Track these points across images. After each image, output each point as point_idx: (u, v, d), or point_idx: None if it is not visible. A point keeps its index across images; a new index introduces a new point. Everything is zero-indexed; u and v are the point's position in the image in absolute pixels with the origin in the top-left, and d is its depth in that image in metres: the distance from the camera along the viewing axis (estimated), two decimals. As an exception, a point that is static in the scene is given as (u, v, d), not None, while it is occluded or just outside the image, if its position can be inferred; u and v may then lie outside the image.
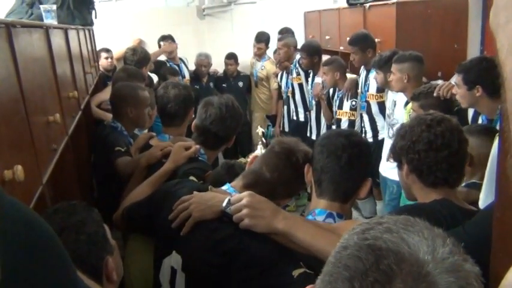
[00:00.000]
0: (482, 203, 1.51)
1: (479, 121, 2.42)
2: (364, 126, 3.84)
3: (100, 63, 4.24)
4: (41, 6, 2.43)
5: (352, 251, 0.53)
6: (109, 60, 4.37)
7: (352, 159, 1.32)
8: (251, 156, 1.48)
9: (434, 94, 2.52)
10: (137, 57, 3.77)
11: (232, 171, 1.64)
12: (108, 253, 1.07)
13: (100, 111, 3.03)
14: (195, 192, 1.34)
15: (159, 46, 4.91)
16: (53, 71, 1.65)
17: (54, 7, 2.29)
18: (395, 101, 3.26)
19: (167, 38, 4.89)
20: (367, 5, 4.05)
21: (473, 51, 3.67)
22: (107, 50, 4.40)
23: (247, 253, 1.18)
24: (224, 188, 1.41)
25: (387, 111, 3.41)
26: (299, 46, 4.74)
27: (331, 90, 4.19)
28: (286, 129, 4.97)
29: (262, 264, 1.16)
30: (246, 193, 1.23)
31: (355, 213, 4.21)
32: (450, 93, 2.47)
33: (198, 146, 1.83)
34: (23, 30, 1.27)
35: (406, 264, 0.49)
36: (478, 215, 1.23)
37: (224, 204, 1.24)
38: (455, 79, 2.41)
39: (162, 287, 1.35)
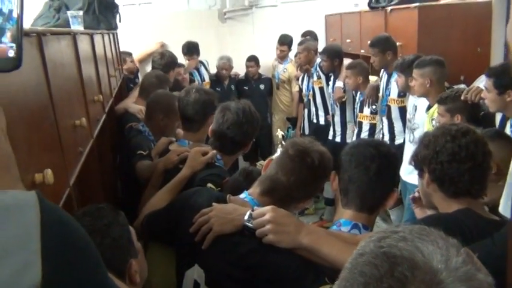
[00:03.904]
0: (502, 209, 1.50)
1: (508, 126, 2.39)
2: (382, 129, 3.84)
3: (125, 67, 4.31)
4: (68, 12, 2.50)
5: (367, 258, 0.54)
6: (130, 63, 4.44)
7: (381, 170, 1.30)
8: (267, 160, 1.46)
9: (462, 98, 2.47)
10: (165, 61, 3.85)
11: (250, 177, 1.64)
12: (132, 256, 1.10)
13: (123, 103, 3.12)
14: (214, 204, 1.33)
15: (184, 53, 4.87)
16: (79, 75, 1.70)
17: (81, 13, 2.35)
18: (416, 106, 3.24)
19: (188, 53, 4.80)
20: (389, 8, 4.03)
21: (497, 55, 3.61)
22: (130, 54, 4.47)
23: (270, 268, 1.18)
24: (242, 196, 1.40)
25: (408, 116, 3.39)
26: (320, 49, 4.75)
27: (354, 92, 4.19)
28: (307, 132, 4.97)
29: (286, 280, 1.16)
30: (269, 207, 1.22)
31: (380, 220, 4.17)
32: (479, 98, 2.43)
33: (214, 152, 1.83)
34: (52, 38, 1.32)
35: (419, 272, 0.51)
36: (507, 226, 1.21)
37: (246, 218, 1.23)
38: (484, 83, 2.38)
39: None
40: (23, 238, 0.45)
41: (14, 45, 0.55)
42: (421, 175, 1.52)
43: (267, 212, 1.21)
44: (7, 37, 0.55)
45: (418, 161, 1.52)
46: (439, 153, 1.43)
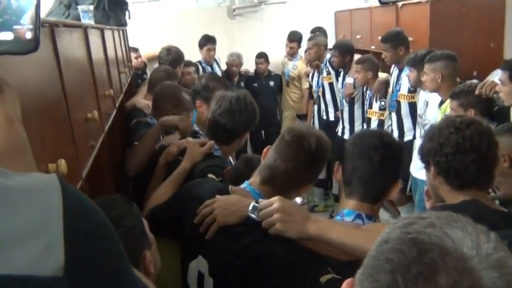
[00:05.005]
0: None
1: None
2: (391, 125, 3.81)
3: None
4: (78, 6, 2.50)
5: (394, 244, 0.52)
6: (138, 59, 4.44)
7: (385, 160, 1.30)
8: (265, 148, 1.46)
9: (476, 92, 2.44)
10: (172, 56, 3.85)
11: (250, 165, 1.64)
12: (146, 247, 1.10)
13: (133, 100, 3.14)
14: (217, 196, 1.33)
15: (201, 47, 4.89)
16: (90, 69, 1.70)
17: (92, 7, 2.35)
18: (427, 101, 3.21)
19: (210, 42, 4.84)
20: (400, 3, 4.00)
21: (510, 50, 3.57)
22: (135, 50, 4.46)
23: (274, 259, 1.18)
24: (243, 186, 1.40)
25: (419, 111, 3.36)
26: (329, 46, 4.73)
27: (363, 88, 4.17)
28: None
29: (290, 270, 1.16)
30: (276, 198, 1.22)
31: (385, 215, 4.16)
32: (493, 92, 2.39)
33: (212, 142, 1.84)
34: (64, 29, 1.31)
35: (450, 258, 0.49)
36: None
37: (249, 209, 1.23)
38: (499, 76, 2.35)
39: None
40: (45, 220, 0.44)
41: (32, 27, 0.54)
42: (427, 168, 1.52)
43: (275, 201, 1.20)
44: (27, 19, 0.54)
45: (423, 154, 1.52)
46: (443, 146, 1.42)
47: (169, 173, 1.82)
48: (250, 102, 1.88)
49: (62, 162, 0.93)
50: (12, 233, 0.42)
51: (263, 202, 1.23)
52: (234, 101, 1.83)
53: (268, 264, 1.17)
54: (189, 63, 4.31)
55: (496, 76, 2.49)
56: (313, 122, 5.05)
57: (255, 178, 1.40)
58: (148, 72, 4.56)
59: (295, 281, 1.15)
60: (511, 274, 0.49)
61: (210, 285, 1.27)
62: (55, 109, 1.11)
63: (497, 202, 1.70)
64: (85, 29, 1.70)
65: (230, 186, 1.40)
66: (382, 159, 1.30)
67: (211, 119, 1.87)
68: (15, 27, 0.53)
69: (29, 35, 0.54)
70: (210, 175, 1.67)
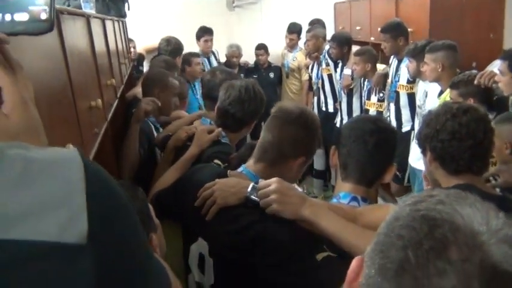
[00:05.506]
0: None
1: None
2: (389, 116, 3.82)
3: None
4: (79, -4, 2.49)
5: (404, 221, 0.53)
6: (132, 49, 4.42)
7: (379, 144, 1.34)
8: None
9: (475, 82, 2.45)
10: (171, 47, 3.86)
11: None
12: (152, 230, 1.11)
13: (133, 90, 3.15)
14: (217, 179, 1.35)
15: (198, 39, 4.88)
16: (93, 58, 1.70)
17: (93, -4, 2.34)
18: (426, 92, 3.22)
19: (207, 33, 4.85)
20: (400, -6, 4.00)
21: (509, 41, 3.58)
22: (130, 40, 4.44)
23: (272, 239, 1.19)
24: (240, 169, 1.43)
25: (418, 102, 3.37)
26: (328, 37, 4.73)
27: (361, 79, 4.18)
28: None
29: (287, 249, 1.17)
30: (274, 179, 1.24)
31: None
32: (492, 82, 2.41)
33: (220, 129, 1.87)
34: (68, 17, 1.32)
35: (460, 233, 0.49)
36: None
37: (249, 190, 1.25)
38: (499, 66, 2.36)
39: (191, 272, 1.38)
40: (69, 190, 0.45)
41: (47, 7, 0.54)
42: (424, 153, 1.55)
43: (273, 183, 1.22)
44: None
45: (420, 140, 1.55)
46: (439, 132, 1.45)
47: (177, 157, 1.86)
48: (259, 91, 1.91)
49: (70, 147, 0.94)
50: (38, 202, 0.43)
51: (262, 183, 1.25)
52: (243, 90, 1.85)
53: (266, 244, 1.19)
54: (196, 54, 4.28)
55: (496, 66, 2.50)
56: (313, 114, 5.06)
57: (250, 160, 1.44)
58: (146, 63, 4.55)
59: (292, 259, 1.16)
60: None
61: (210, 266, 1.30)
62: (62, 95, 1.12)
63: (497, 190, 1.72)
64: (87, 18, 1.70)
65: (228, 170, 1.44)
66: (377, 143, 1.33)
67: (220, 108, 1.90)
68: (30, 7, 0.54)
69: (43, 16, 0.55)
70: (216, 161, 1.70)
